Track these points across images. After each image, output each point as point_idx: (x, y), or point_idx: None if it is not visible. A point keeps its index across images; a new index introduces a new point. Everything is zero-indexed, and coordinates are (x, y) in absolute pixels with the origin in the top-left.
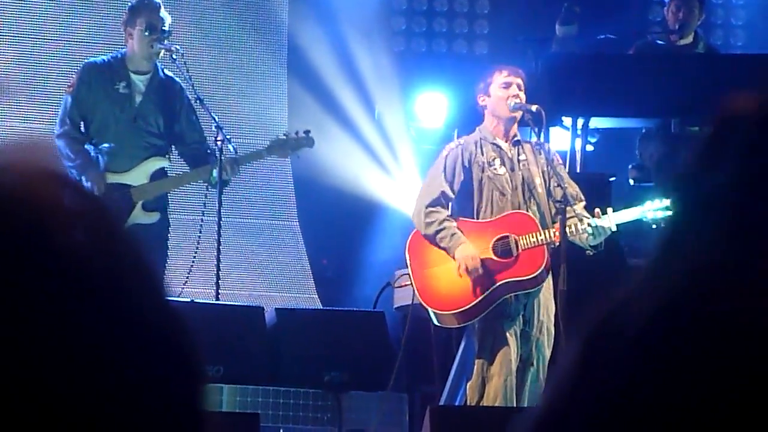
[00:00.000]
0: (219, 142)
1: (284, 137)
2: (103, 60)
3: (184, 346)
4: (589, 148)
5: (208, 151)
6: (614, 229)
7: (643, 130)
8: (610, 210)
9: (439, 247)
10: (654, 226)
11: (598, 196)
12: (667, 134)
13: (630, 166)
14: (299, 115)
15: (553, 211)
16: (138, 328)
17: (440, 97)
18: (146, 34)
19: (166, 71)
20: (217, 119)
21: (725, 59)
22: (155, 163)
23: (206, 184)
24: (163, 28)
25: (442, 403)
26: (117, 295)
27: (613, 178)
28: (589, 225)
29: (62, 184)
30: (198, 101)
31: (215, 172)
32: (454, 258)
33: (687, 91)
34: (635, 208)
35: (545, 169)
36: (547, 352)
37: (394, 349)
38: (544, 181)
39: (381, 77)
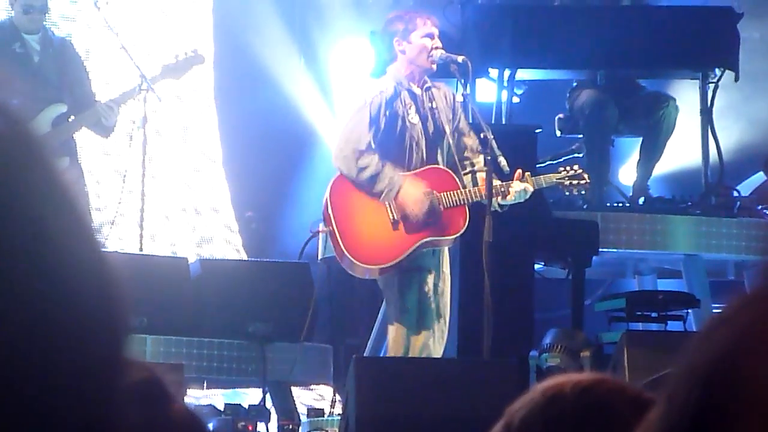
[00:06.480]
0: (143, 91)
1: (174, 59)
2: None
3: (109, 287)
4: (516, 100)
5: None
6: (530, 192)
7: (575, 83)
8: (528, 174)
9: (371, 193)
10: (567, 194)
11: (524, 148)
12: (595, 86)
13: (557, 117)
14: (223, 67)
15: (460, 163)
16: (59, 254)
17: (364, 43)
18: (24, 13)
19: (55, 32)
20: (141, 69)
21: (650, 11)
22: (54, 110)
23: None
24: (41, 6)
25: (366, 355)
26: (38, 225)
27: (539, 130)
28: (515, 190)
29: None
30: (123, 49)
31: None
32: (395, 200)
33: (613, 43)
34: (551, 174)
35: (451, 117)
36: (448, 301)
37: (317, 300)
38: (453, 130)
39: (304, 23)
